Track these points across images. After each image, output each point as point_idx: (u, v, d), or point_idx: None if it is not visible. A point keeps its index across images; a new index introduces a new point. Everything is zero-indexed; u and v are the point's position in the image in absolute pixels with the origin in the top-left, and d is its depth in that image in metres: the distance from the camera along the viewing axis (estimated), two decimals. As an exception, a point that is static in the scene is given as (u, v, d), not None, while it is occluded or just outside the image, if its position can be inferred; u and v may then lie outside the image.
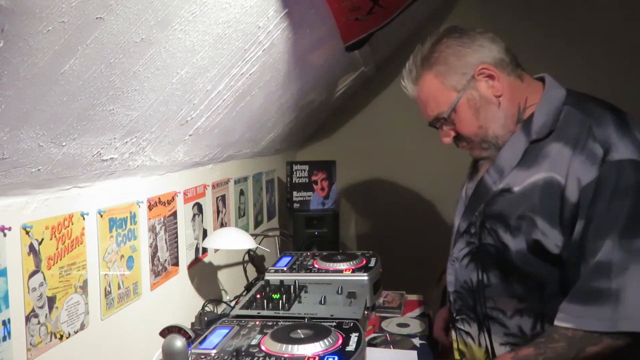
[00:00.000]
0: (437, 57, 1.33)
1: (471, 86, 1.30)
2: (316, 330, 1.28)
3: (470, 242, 1.36)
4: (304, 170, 2.72)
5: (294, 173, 2.71)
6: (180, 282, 1.76)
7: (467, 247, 1.36)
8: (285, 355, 1.18)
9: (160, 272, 1.60)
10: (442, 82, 1.32)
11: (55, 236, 1.12)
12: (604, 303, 1.12)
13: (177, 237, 1.71)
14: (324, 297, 1.54)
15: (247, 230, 2.44)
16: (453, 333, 1.45)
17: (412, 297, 2.35)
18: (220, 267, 2.13)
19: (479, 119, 1.32)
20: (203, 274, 1.95)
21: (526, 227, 1.23)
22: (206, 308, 1.85)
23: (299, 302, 1.55)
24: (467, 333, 1.39)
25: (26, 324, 1.03)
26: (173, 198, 1.69)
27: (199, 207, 1.90)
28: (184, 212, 1.77)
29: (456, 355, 1.45)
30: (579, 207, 1.17)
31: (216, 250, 2.07)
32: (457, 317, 1.41)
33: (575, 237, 1.17)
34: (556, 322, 1.17)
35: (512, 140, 1.31)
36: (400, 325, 1.97)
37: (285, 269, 1.77)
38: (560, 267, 1.22)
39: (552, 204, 1.20)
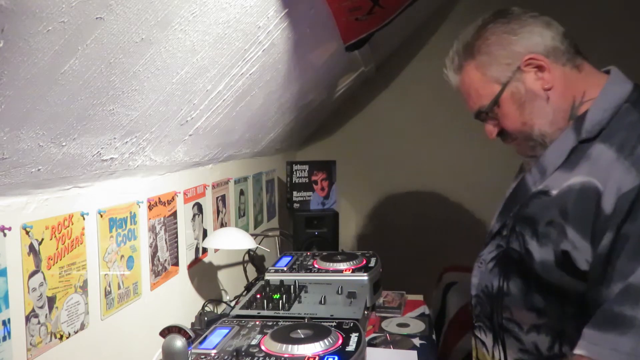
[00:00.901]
0: (480, 46, 1.20)
1: (516, 78, 1.17)
2: (316, 330, 1.28)
3: (499, 245, 1.24)
4: (304, 170, 2.72)
5: (294, 173, 2.71)
6: (180, 282, 1.76)
7: (496, 251, 1.25)
8: (285, 355, 1.18)
9: (160, 272, 1.60)
10: (484, 73, 1.20)
11: (55, 236, 1.12)
12: (625, 333, 0.96)
13: (177, 237, 1.71)
14: (324, 297, 1.54)
15: (247, 230, 2.44)
16: (473, 340, 1.34)
17: (412, 297, 2.35)
18: (220, 267, 2.12)
19: (523, 115, 1.19)
20: (203, 274, 1.95)
21: (555, 235, 1.09)
22: (206, 308, 1.85)
23: (299, 302, 1.55)
24: (483, 343, 1.29)
25: (26, 324, 1.03)
26: (173, 198, 1.69)
27: (199, 207, 1.90)
28: (184, 212, 1.77)
29: None
30: (611, 218, 1.01)
31: (216, 250, 2.07)
32: (475, 324, 1.31)
33: (601, 251, 1.01)
34: (574, 350, 1.02)
35: (560, 139, 1.17)
36: (400, 325, 1.97)
37: (285, 269, 1.77)
38: (587, 285, 1.07)
39: (586, 213, 1.04)
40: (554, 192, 1.14)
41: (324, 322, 1.38)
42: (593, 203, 1.04)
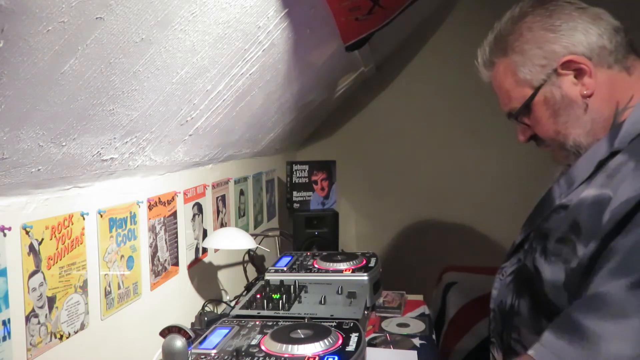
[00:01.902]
0: (513, 42, 1.07)
1: (552, 82, 1.04)
2: (316, 330, 1.28)
3: (519, 259, 1.13)
4: (304, 170, 2.72)
5: (294, 173, 2.71)
6: (180, 282, 1.76)
7: (516, 265, 1.13)
8: (285, 355, 1.18)
9: (160, 272, 1.60)
10: (516, 74, 1.08)
11: (55, 236, 1.12)
12: (574, 342, 0.87)
13: (177, 237, 1.71)
14: (324, 297, 1.54)
15: (247, 230, 2.44)
16: (490, 356, 1.23)
17: (412, 297, 2.35)
18: (220, 267, 2.12)
19: (557, 123, 1.07)
20: (203, 274, 1.95)
21: (565, 252, 0.97)
22: (206, 308, 1.85)
23: (299, 302, 1.55)
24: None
25: (26, 324, 1.03)
26: (173, 198, 1.69)
27: (199, 207, 1.90)
28: (184, 212, 1.77)
29: None
30: (601, 228, 0.91)
31: (216, 250, 2.07)
32: (491, 339, 1.21)
33: (582, 259, 0.92)
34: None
35: (593, 149, 1.04)
36: (400, 325, 1.97)
37: (285, 269, 1.77)
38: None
39: (594, 227, 0.93)
40: (572, 205, 1.02)
41: (324, 322, 1.38)
42: (600, 215, 0.93)
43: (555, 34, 1.03)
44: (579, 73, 1.03)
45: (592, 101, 1.03)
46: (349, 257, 1.81)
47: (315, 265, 1.78)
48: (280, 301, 1.54)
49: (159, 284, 1.59)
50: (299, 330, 1.28)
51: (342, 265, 1.74)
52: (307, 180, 2.71)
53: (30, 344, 1.05)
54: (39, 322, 1.07)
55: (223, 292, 2.13)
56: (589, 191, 0.98)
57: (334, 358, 1.16)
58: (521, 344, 1.07)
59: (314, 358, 1.16)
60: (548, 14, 1.05)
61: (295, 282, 1.65)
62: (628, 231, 0.88)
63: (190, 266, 1.82)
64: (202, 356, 1.21)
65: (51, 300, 1.11)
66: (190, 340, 1.19)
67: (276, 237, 2.67)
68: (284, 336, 1.25)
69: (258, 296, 1.59)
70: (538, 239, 1.07)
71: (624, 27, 1.05)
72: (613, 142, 1.00)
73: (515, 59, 1.08)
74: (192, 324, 1.78)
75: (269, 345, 1.23)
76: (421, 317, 2.09)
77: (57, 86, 0.86)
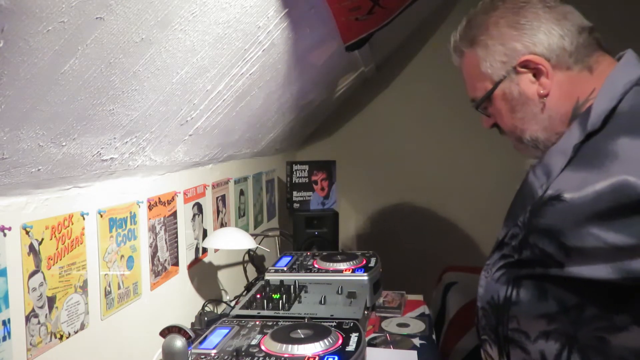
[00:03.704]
0: (480, 36, 1.10)
1: (510, 78, 1.08)
2: (316, 330, 1.28)
3: (507, 255, 1.12)
4: (304, 170, 2.72)
5: (294, 173, 2.71)
6: (180, 282, 1.76)
7: (503, 260, 1.13)
8: (285, 355, 1.18)
9: (160, 272, 1.60)
10: (479, 67, 1.11)
11: (55, 236, 1.12)
12: None
13: (177, 237, 1.71)
14: (324, 297, 1.54)
15: (247, 230, 2.45)
16: (483, 354, 1.23)
17: (412, 297, 2.35)
18: (220, 267, 2.13)
19: (514, 118, 1.11)
20: (203, 274, 1.95)
21: (593, 248, 0.94)
22: (206, 308, 1.85)
23: (299, 302, 1.55)
24: (491, 357, 1.18)
25: (26, 324, 1.03)
26: (173, 198, 1.69)
27: (199, 207, 1.90)
28: (184, 212, 1.77)
29: None
30: None
31: (216, 250, 2.07)
32: (482, 337, 1.21)
33: None
34: None
35: (565, 137, 1.06)
36: (400, 325, 1.97)
37: (285, 269, 1.77)
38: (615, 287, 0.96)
39: (625, 212, 0.91)
40: (568, 195, 1.00)
41: (324, 322, 1.38)
42: (629, 200, 0.90)
43: (518, 32, 1.06)
44: (537, 72, 1.06)
45: (549, 100, 1.07)
46: (349, 257, 1.81)
47: (315, 265, 1.78)
48: (280, 301, 1.54)
49: (159, 284, 1.59)
50: (299, 330, 1.28)
51: (342, 265, 1.74)
52: (307, 180, 2.72)
53: (30, 344, 1.05)
54: (39, 322, 1.07)
55: (223, 292, 2.13)
56: (602, 183, 0.94)
57: (334, 358, 1.16)
58: (521, 331, 1.07)
59: (314, 358, 1.16)
60: (516, 11, 1.07)
61: (295, 282, 1.65)
62: None
63: (190, 266, 1.83)
64: (202, 356, 1.21)
65: (51, 300, 1.11)
66: (190, 340, 1.19)
67: (276, 237, 2.67)
68: (284, 336, 1.25)
69: (258, 296, 1.59)
70: (538, 235, 1.03)
71: (591, 26, 1.07)
72: (585, 126, 1.01)
73: (479, 53, 1.11)
74: (192, 324, 1.78)
75: (269, 345, 1.23)
76: (421, 317, 2.09)
77: (57, 86, 0.86)
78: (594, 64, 1.06)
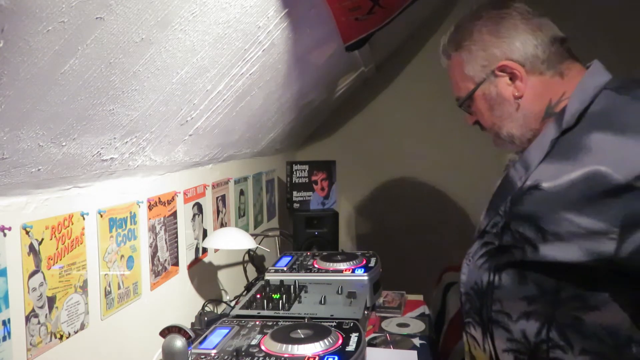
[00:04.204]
0: (464, 41, 1.24)
1: (490, 81, 1.22)
2: (316, 330, 1.28)
3: (489, 242, 1.22)
4: (304, 170, 2.72)
5: (294, 173, 2.71)
6: (180, 282, 1.76)
7: (485, 248, 1.24)
8: (285, 355, 1.18)
9: (160, 272, 1.60)
10: (463, 69, 1.25)
11: (55, 236, 1.12)
12: None
13: (177, 237, 1.71)
14: (324, 297, 1.54)
15: (247, 230, 2.45)
16: (464, 337, 1.35)
17: (412, 297, 2.35)
18: (220, 267, 2.13)
19: (493, 117, 1.24)
20: (203, 274, 1.95)
21: (566, 230, 1.05)
22: (206, 308, 1.85)
23: (299, 302, 1.55)
24: (474, 338, 1.30)
25: (26, 324, 1.04)
26: (173, 198, 1.69)
27: (199, 207, 1.90)
28: (184, 212, 1.77)
29: (467, 359, 1.37)
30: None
31: (216, 250, 2.07)
32: (466, 320, 1.32)
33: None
34: None
35: (542, 134, 1.18)
36: (400, 325, 1.97)
37: (285, 269, 1.77)
38: (593, 271, 1.05)
39: (597, 198, 1.02)
40: (546, 184, 1.11)
41: (324, 322, 1.38)
42: (602, 188, 1.00)
43: (498, 40, 1.19)
44: (513, 76, 1.19)
45: (523, 101, 1.20)
46: (349, 257, 1.81)
47: (315, 265, 1.78)
48: (280, 301, 1.54)
49: (159, 284, 1.59)
50: (299, 330, 1.28)
51: (342, 265, 1.74)
52: (307, 180, 2.72)
53: (30, 344, 1.05)
54: (39, 322, 1.07)
55: (223, 292, 2.13)
56: (576, 172, 1.05)
57: (334, 358, 1.16)
58: (503, 312, 1.18)
59: (314, 358, 1.16)
60: (497, 21, 1.20)
61: (295, 282, 1.65)
62: None
63: (190, 266, 1.83)
64: (202, 356, 1.21)
65: (51, 300, 1.11)
66: (190, 340, 1.19)
67: (276, 237, 2.67)
68: (284, 336, 1.26)
69: (258, 296, 1.59)
70: (519, 221, 1.13)
71: (563, 37, 1.20)
72: (561, 124, 1.13)
73: (463, 56, 1.24)
74: (192, 324, 1.78)
75: (269, 345, 1.23)
76: (421, 317, 2.09)
77: (57, 86, 0.86)
78: (565, 70, 1.18)
